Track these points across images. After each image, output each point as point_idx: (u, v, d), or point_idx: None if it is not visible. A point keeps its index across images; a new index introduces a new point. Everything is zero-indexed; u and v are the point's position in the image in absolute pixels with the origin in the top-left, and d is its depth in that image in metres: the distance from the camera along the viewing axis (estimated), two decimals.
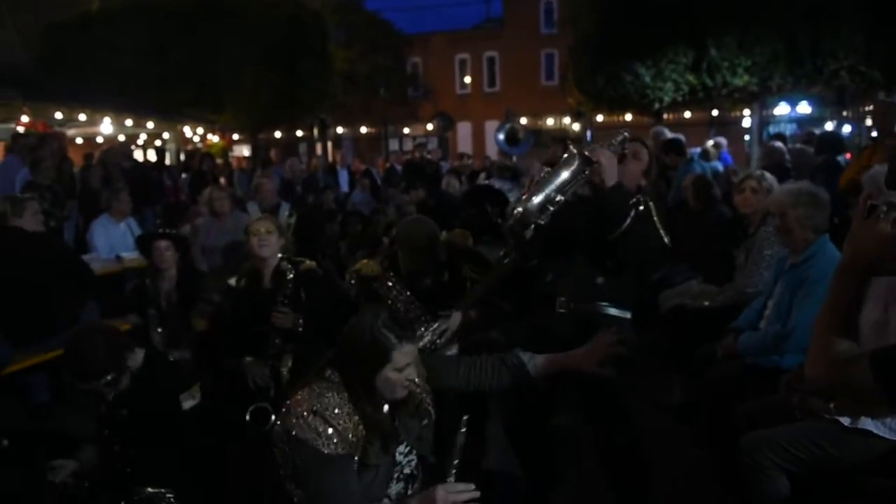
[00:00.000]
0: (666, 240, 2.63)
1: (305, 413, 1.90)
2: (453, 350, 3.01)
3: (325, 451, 1.87)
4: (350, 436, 1.91)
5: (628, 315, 2.75)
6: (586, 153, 2.41)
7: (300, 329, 3.31)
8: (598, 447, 2.94)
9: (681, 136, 7.56)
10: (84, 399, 2.62)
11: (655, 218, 2.61)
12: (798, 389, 2.60)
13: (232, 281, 3.54)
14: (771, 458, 2.36)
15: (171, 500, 2.51)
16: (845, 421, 2.35)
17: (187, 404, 2.54)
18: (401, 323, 1.99)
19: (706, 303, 4.12)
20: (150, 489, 2.49)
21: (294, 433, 1.90)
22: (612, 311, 2.69)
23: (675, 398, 4.05)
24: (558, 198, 2.38)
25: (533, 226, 2.44)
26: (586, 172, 2.40)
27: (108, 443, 2.56)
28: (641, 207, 2.54)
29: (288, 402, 2.00)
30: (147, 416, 2.49)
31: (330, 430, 1.88)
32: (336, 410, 1.92)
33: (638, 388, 4.01)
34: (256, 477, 2.74)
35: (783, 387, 2.72)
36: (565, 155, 2.44)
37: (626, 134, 2.61)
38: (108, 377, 2.43)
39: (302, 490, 1.93)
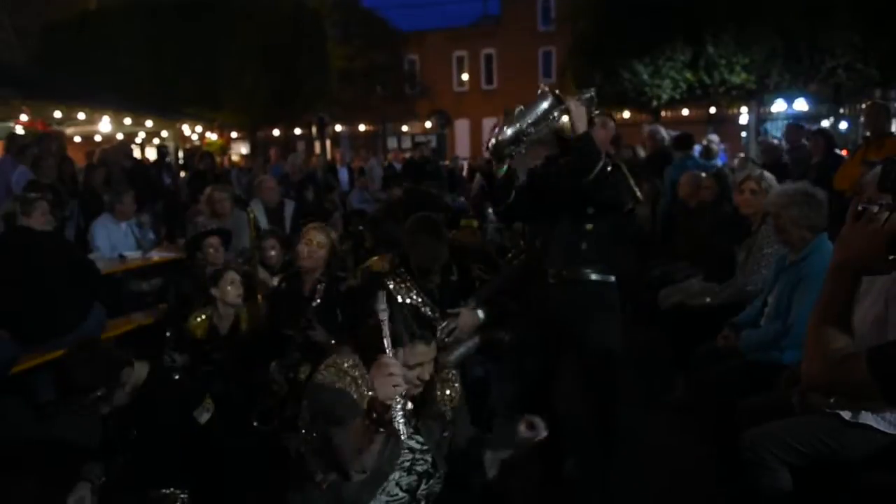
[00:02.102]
0: (639, 194, 2.84)
1: (324, 365, 2.07)
2: (471, 344, 3.06)
3: (338, 387, 2.00)
4: (365, 392, 2.01)
5: (612, 279, 2.92)
6: (559, 95, 2.56)
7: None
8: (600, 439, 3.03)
9: (690, 133, 7.70)
10: (81, 411, 2.64)
11: (626, 173, 2.79)
12: (797, 384, 2.63)
13: (274, 280, 3.57)
14: (772, 452, 2.40)
15: (185, 499, 2.54)
16: (846, 415, 2.38)
17: (203, 418, 2.56)
18: (419, 322, 2.07)
19: (707, 300, 4.15)
20: (163, 490, 2.52)
21: (319, 380, 2.04)
22: (596, 277, 2.87)
23: (676, 395, 4.08)
24: (530, 130, 2.53)
25: (508, 158, 2.62)
26: (556, 114, 2.55)
27: (115, 457, 2.58)
28: (609, 166, 2.69)
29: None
30: (153, 433, 2.49)
31: (348, 380, 2.03)
32: (356, 372, 2.05)
33: (639, 384, 4.08)
34: (265, 477, 2.78)
35: (784, 382, 2.77)
36: (539, 92, 2.59)
37: (592, 93, 2.75)
38: (98, 393, 2.42)
39: (319, 432, 2.00)
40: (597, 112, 2.84)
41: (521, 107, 2.57)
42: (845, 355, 1.27)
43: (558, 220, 2.84)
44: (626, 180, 2.76)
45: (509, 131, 2.52)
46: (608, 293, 2.92)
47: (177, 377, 2.79)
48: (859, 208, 1.29)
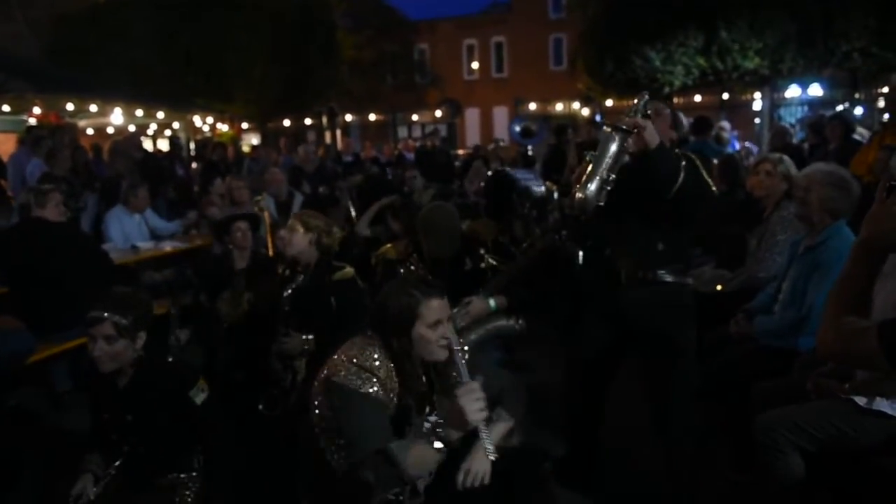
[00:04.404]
0: (714, 189, 2.66)
1: (346, 361, 2.05)
2: (490, 326, 3.06)
3: (364, 391, 2.01)
4: (388, 386, 2.04)
5: (689, 280, 2.78)
6: (621, 126, 2.43)
7: (308, 348, 3.29)
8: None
9: (709, 117, 7.67)
10: None
11: (701, 167, 2.61)
12: (813, 370, 2.62)
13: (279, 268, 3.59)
14: (786, 437, 2.39)
15: (192, 485, 2.55)
16: (860, 401, 2.37)
17: (199, 398, 2.57)
18: (425, 281, 2.14)
19: (718, 287, 4.13)
20: (171, 475, 2.54)
21: (334, 379, 2.04)
22: (674, 279, 2.70)
23: None
24: (611, 177, 2.41)
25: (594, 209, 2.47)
26: (628, 143, 2.42)
27: (116, 445, 2.56)
28: (684, 162, 2.54)
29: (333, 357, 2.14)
30: (150, 417, 2.49)
31: (368, 375, 2.03)
32: (376, 363, 2.06)
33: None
34: (272, 459, 2.81)
35: (798, 368, 2.75)
36: (602, 135, 2.47)
37: (646, 95, 2.60)
38: (123, 321, 2.43)
39: (340, 433, 2.04)
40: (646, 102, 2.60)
41: (592, 152, 2.46)
42: (858, 328, 1.30)
43: (630, 219, 2.68)
44: (700, 173, 2.60)
45: (593, 186, 2.38)
46: (685, 294, 2.76)
47: (170, 359, 2.82)
48: (893, 184, 1.30)
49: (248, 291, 3.80)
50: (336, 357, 2.12)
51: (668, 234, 2.65)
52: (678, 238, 2.69)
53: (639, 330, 2.74)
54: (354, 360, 2.05)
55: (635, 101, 2.51)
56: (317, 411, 2.13)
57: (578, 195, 2.43)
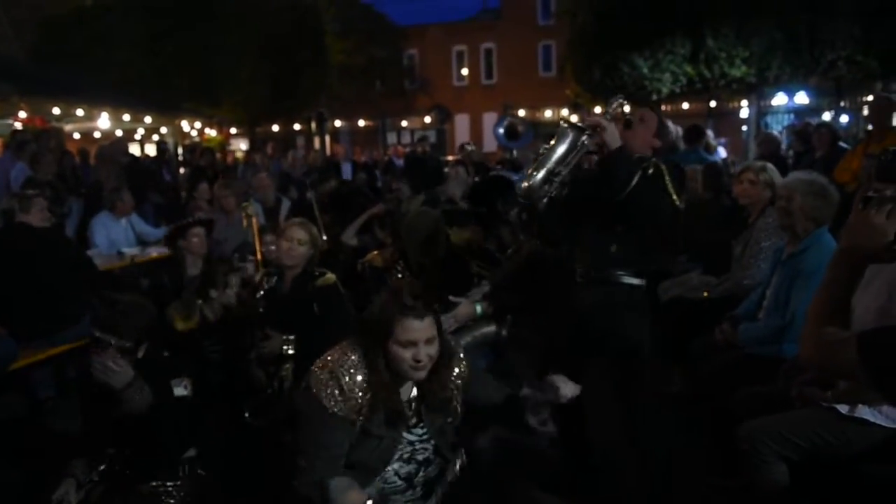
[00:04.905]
0: (679, 203, 2.66)
1: (323, 368, 2.04)
2: (485, 330, 3.07)
3: (326, 405, 1.99)
4: (354, 401, 2.01)
5: (642, 282, 2.80)
6: (578, 123, 2.49)
7: (290, 350, 3.27)
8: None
9: (700, 125, 7.72)
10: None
11: (668, 180, 2.64)
12: (796, 378, 2.64)
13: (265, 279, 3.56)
14: (769, 446, 2.40)
15: (176, 493, 2.53)
16: (843, 409, 2.38)
17: (178, 391, 2.56)
18: (415, 301, 2.03)
19: (704, 294, 4.15)
20: (153, 483, 2.51)
21: (308, 384, 2.05)
22: (626, 280, 2.76)
23: (674, 387, 4.09)
24: (560, 169, 2.46)
25: (544, 199, 2.55)
26: (584, 140, 2.46)
27: (101, 447, 2.56)
28: (651, 170, 2.59)
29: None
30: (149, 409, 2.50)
31: (336, 391, 2.00)
32: (351, 370, 2.03)
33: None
34: (259, 468, 2.79)
35: (782, 375, 2.76)
36: (558, 130, 2.52)
37: (621, 99, 2.67)
38: (128, 343, 2.48)
39: (296, 434, 2.06)
40: (617, 105, 2.70)
41: (546, 145, 2.51)
42: (838, 337, 1.32)
43: (586, 221, 2.77)
44: (667, 191, 2.64)
45: (539, 175, 2.43)
46: (637, 295, 2.82)
47: (165, 353, 2.84)
48: (869, 194, 1.31)
49: (198, 299, 3.74)
50: (327, 354, 2.10)
51: (622, 236, 2.70)
52: (633, 241, 2.72)
53: (592, 328, 2.78)
54: (331, 367, 2.03)
55: (612, 103, 2.60)
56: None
57: (524, 183, 2.50)
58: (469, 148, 10.66)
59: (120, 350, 2.43)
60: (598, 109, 15.38)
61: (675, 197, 2.64)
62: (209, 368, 3.53)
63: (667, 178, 2.63)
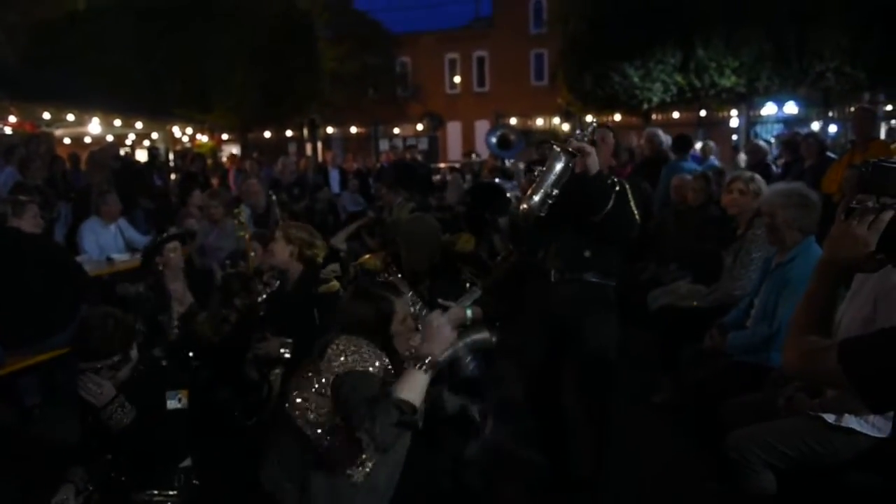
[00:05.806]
0: (637, 217, 2.95)
1: (344, 348, 2.24)
2: (478, 337, 3.10)
3: (369, 369, 2.21)
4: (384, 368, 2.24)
5: (612, 283, 3.09)
6: (569, 148, 2.67)
7: (287, 354, 3.28)
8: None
9: (688, 135, 7.78)
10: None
11: (631, 198, 2.90)
12: (784, 386, 2.65)
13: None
14: (757, 454, 2.41)
15: (171, 503, 2.53)
16: (829, 418, 2.40)
17: (171, 404, 2.57)
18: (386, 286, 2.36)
19: (694, 303, 4.17)
20: (150, 492, 2.51)
21: (339, 370, 2.19)
22: (597, 280, 3.03)
23: (663, 395, 4.10)
24: (554, 192, 2.64)
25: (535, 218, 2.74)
26: (571, 165, 2.67)
27: (98, 454, 2.56)
28: (618, 188, 2.83)
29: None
30: (136, 423, 2.50)
31: (367, 355, 2.24)
32: (369, 351, 2.26)
33: (627, 385, 4.10)
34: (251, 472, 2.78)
35: (769, 384, 2.78)
36: (552, 153, 2.70)
37: (595, 124, 2.92)
38: (115, 358, 2.51)
39: (351, 410, 2.11)
40: (596, 127, 2.96)
41: (541, 168, 2.70)
42: (820, 346, 1.33)
43: (564, 229, 2.98)
44: (631, 209, 2.88)
45: (536, 198, 2.64)
46: (607, 292, 3.08)
47: (164, 363, 2.87)
48: (852, 205, 1.32)
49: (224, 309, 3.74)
50: (330, 350, 2.25)
51: (595, 244, 2.97)
52: (605, 249, 3.01)
53: (564, 321, 3.03)
54: (351, 350, 2.22)
55: (587, 128, 2.83)
56: (301, 401, 2.24)
57: (523, 206, 2.70)
58: (476, 158, 10.75)
59: (111, 368, 2.49)
60: (589, 118, 15.48)
61: (635, 212, 2.92)
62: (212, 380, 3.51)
63: (629, 194, 2.88)
